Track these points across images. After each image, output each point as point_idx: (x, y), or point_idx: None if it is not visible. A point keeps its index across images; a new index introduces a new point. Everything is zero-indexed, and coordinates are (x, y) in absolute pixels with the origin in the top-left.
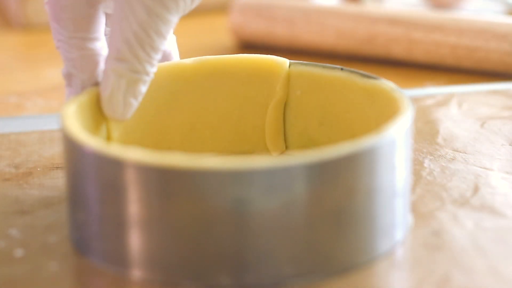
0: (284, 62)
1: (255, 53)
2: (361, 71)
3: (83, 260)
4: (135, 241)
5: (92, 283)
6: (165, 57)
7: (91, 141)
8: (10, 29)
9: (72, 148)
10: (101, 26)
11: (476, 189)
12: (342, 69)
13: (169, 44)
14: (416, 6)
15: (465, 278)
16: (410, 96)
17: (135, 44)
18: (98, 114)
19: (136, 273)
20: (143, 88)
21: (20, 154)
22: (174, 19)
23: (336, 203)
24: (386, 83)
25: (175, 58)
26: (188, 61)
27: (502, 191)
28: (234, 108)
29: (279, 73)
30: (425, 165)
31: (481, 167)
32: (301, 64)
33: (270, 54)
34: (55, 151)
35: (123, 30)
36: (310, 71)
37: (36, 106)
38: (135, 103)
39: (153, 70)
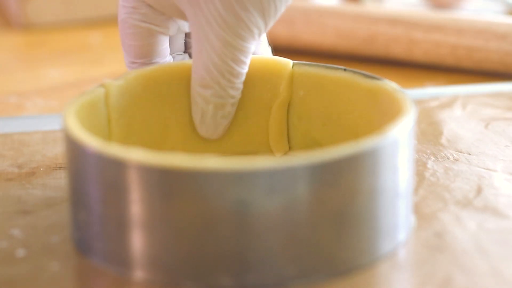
0: (287, 62)
1: (257, 54)
2: (364, 72)
3: (85, 261)
4: (137, 241)
5: (93, 283)
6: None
7: (93, 142)
8: (10, 29)
9: (74, 148)
10: (162, 52)
11: (479, 190)
12: (345, 69)
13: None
14: (416, 6)
15: (467, 280)
16: (413, 98)
17: (216, 72)
18: (100, 114)
19: (138, 273)
20: (232, 108)
21: (23, 154)
22: (250, 46)
23: (338, 204)
24: (389, 84)
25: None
26: (192, 61)
27: (505, 192)
28: (237, 108)
29: (283, 74)
30: (429, 166)
31: (484, 168)
32: (304, 64)
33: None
34: (58, 151)
35: (203, 60)
36: (313, 72)
37: (36, 106)
38: (225, 122)
39: (237, 92)
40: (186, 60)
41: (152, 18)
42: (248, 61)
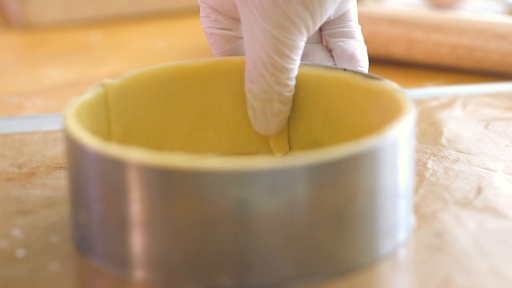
0: None
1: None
2: (364, 72)
3: (85, 261)
4: (137, 241)
5: (93, 283)
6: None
7: (93, 142)
8: (10, 29)
9: (74, 149)
10: None
11: (479, 190)
12: (345, 69)
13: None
14: (416, 6)
15: (467, 280)
16: (413, 98)
17: (260, 66)
18: (100, 114)
19: (138, 273)
20: (282, 105)
21: (24, 154)
22: (296, 40)
23: (338, 204)
24: (389, 84)
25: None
26: (192, 61)
27: (505, 192)
28: (238, 108)
29: None
30: (429, 166)
31: (484, 168)
32: (305, 65)
33: None
34: (58, 151)
35: (249, 53)
36: (313, 72)
37: (36, 106)
38: (277, 119)
39: (285, 89)
40: (187, 60)
41: (224, 24)
42: (295, 56)
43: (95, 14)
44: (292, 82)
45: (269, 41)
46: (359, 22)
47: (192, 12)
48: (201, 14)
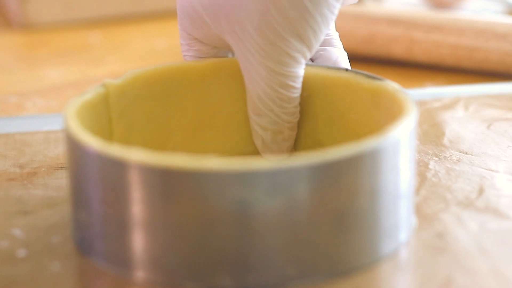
0: None
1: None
2: (366, 72)
3: (86, 261)
4: (138, 242)
5: (94, 283)
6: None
7: (94, 142)
8: (10, 29)
9: (75, 149)
10: None
11: (481, 191)
12: (346, 70)
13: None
14: (416, 6)
15: (468, 280)
16: (415, 98)
17: (267, 100)
18: (101, 114)
19: (139, 274)
20: (291, 132)
21: (25, 154)
22: (297, 70)
23: (339, 205)
24: (391, 84)
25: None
26: (192, 61)
27: (507, 193)
28: (239, 109)
29: None
30: (430, 166)
31: (486, 169)
32: (307, 65)
33: None
34: (60, 151)
35: (253, 89)
36: (315, 72)
37: (36, 106)
38: (288, 143)
39: (292, 117)
40: (188, 61)
41: (205, 53)
42: (298, 85)
43: (95, 14)
44: (298, 109)
45: (272, 77)
46: (359, 22)
47: None
48: (181, 41)
